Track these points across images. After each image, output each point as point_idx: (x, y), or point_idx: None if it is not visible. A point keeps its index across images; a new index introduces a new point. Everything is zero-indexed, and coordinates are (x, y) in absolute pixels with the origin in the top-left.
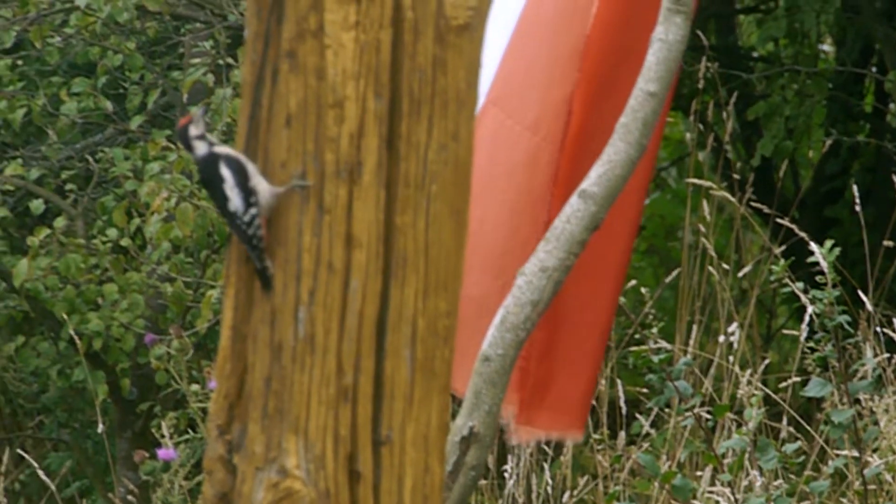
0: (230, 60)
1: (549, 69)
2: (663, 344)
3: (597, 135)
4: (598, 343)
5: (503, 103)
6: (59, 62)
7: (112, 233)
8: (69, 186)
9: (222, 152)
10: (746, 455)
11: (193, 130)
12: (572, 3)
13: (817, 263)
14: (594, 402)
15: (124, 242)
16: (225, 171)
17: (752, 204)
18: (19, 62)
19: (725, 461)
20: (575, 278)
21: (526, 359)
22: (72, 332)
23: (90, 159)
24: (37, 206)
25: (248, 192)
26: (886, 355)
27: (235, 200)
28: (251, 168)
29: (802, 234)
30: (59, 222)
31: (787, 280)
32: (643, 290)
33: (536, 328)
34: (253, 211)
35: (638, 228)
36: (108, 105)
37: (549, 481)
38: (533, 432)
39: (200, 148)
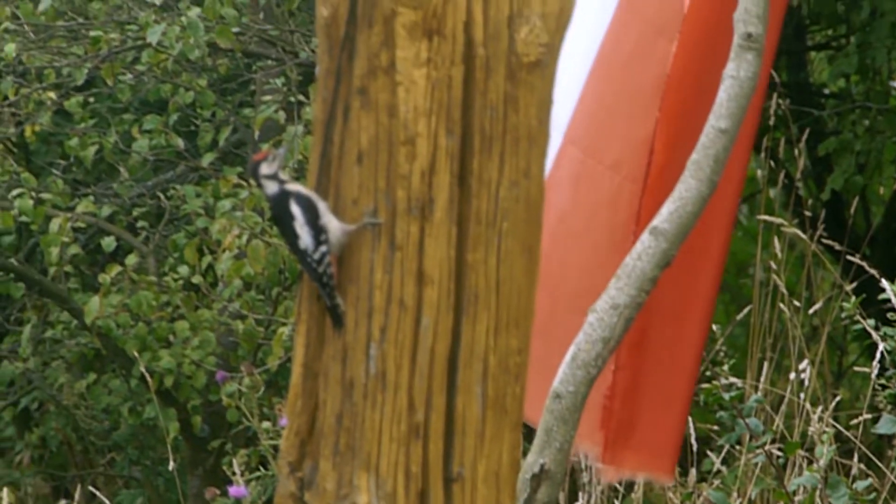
0: (301, 97)
1: (629, 108)
2: (734, 381)
3: (678, 173)
4: (686, 384)
5: (582, 143)
6: (131, 99)
7: (183, 270)
8: (141, 223)
9: (293, 190)
10: (817, 492)
11: (265, 168)
12: (651, 43)
13: (889, 300)
14: None
15: (196, 280)
16: (295, 209)
17: (824, 241)
18: (91, 99)
19: (796, 498)
20: (661, 319)
21: (610, 398)
22: (143, 370)
23: (162, 196)
24: (108, 243)
25: (318, 230)
26: None
27: (306, 238)
28: (322, 206)
29: (873, 271)
30: (131, 259)
31: (858, 317)
32: (714, 327)
33: (621, 368)
34: (323, 249)
35: (723, 268)
36: (180, 142)
37: None
38: (620, 472)
39: (271, 186)
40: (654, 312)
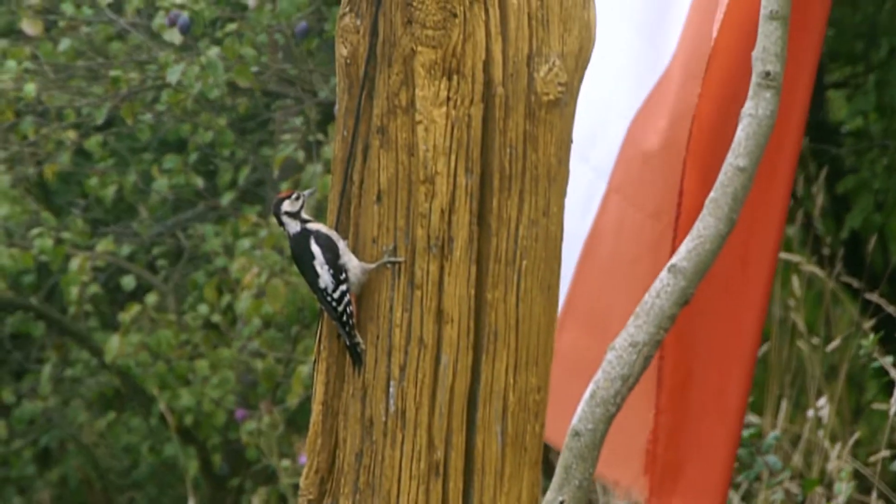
0: (320, 136)
1: (668, 156)
2: (753, 418)
3: None
4: (732, 426)
5: (626, 191)
6: (151, 139)
7: (203, 309)
8: (160, 262)
9: (314, 229)
10: None
11: (288, 206)
12: (688, 90)
13: None
14: None
15: (215, 318)
16: (315, 248)
17: (842, 279)
18: (111, 139)
19: None
20: (706, 361)
21: (653, 442)
22: (163, 408)
23: (181, 235)
24: (128, 282)
25: (337, 270)
26: None
27: (325, 277)
28: (342, 245)
29: (891, 309)
30: (151, 298)
31: (876, 354)
32: None
33: (663, 411)
34: (343, 287)
35: (766, 310)
36: (199, 181)
37: None
38: None
39: (293, 225)
40: (697, 354)
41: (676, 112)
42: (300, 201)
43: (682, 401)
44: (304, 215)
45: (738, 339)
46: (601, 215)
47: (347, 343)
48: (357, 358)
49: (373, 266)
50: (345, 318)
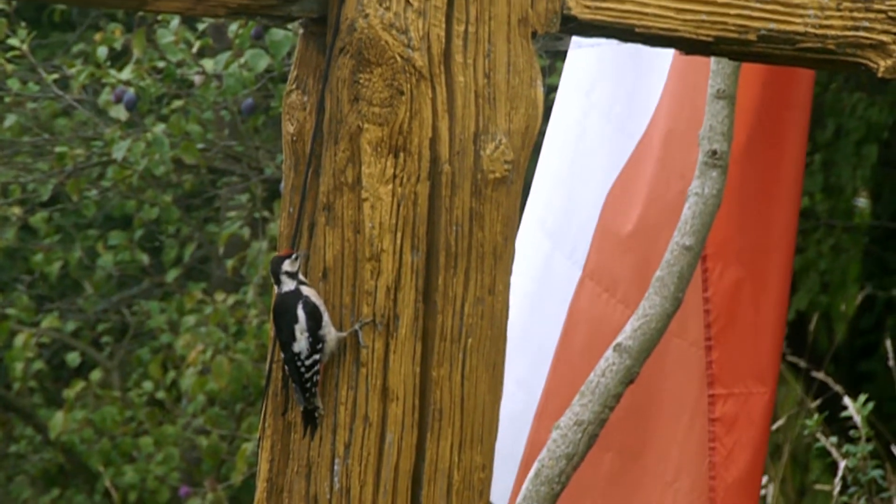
0: (266, 213)
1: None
2: None
3: None
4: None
5: (598, 276)
6: (96, 215)
7: (148, 385)
8: (105, 339)
9: (305, 293)
10: None
11: (288, 266)
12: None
13: (851, 417)
14: None
15: (160, 395)
16: (300, 313)
17: (787, 358)
18: (56, 215)
19: None
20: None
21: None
22: (107, 485)
23: (126, 312)
24: (73, 358)
25: (316, 339)
26: None
27: (302, 343)
28: (326, 318)
29: (836, 388)
30: (95, 375)
31: (820, 434)
32: None
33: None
34: (316, 356)
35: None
36: (145, 258)
37: None
38: None
39: (288, 283)
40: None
41: (648, 196)
42: (298, 262)
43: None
44: (301, 276)
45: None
46: (576, 302)
47: (304, 407)
48: (314, 423)
49: (344, 335)
50: (309, 385)
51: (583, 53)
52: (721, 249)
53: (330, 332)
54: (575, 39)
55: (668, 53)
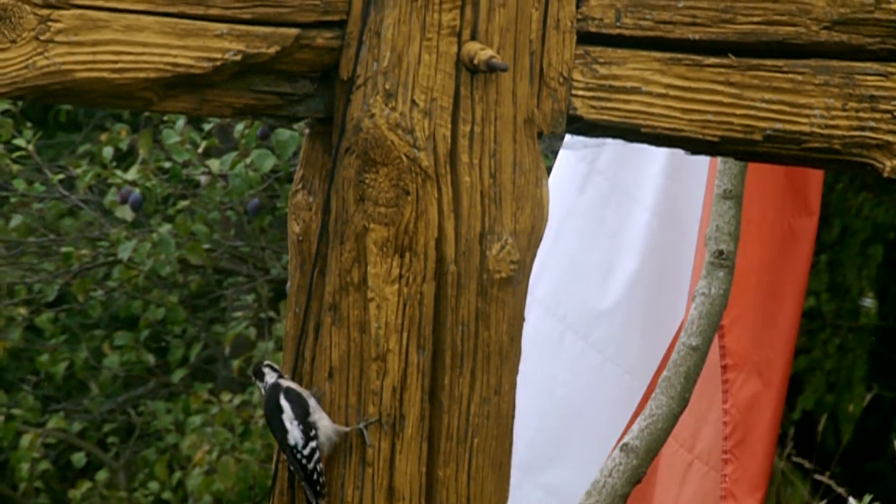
0: (272, 314)
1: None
2: None
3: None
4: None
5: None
6: (102, 315)
7: (154, 486)
8: (111, 439)
9: (284, 385)
10: None
11: (268, 372)
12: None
13: None
14: None
15: (166, 495)
16: (284, 403)
17: (794, 459)
18: (62, 315)
19: None
20: None
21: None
22: None
23: (132, 412)
24: (79, 458)
25: (307, 426)
26: None
27: (295, 433)
28: (312, 403)
29: (841, 490)
30: (101, 475)
31: None
32: None
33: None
34: (313, 444)
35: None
36: (151, 358)
37: None
38: None
39: (270, 376)
40: None
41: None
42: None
43: None
44: (281, 371)
45: None
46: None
47: (311, 502)
48: None
49: (347, 429)
50: (315, 475)
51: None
52: (742, 361)
53: (322, 419)
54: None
55: None
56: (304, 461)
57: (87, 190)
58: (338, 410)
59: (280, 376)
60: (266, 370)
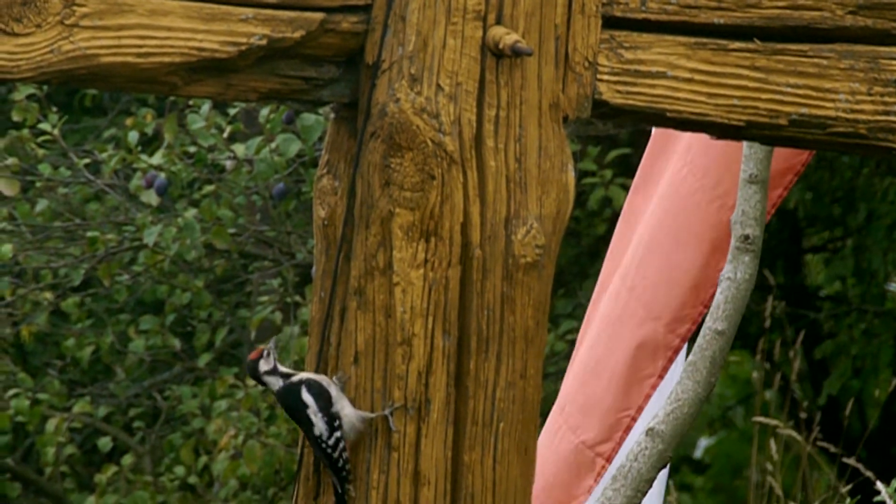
0: (298, 298)
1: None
2: None
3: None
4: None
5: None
6: (127, 300)
7: (179, 470)
8: (137, 424)
9: (302, 378)
10: None
11: (263, 365)
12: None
13: (884, 502)
14: None
15: (192, 480)
16: (307, 397)
17: (819, 443)
18: (88, 300)
19: None
20: None
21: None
22: None
23: (158, 397)
24: (104, 443)
25: (331, 417)
26: None
27: (319, 425)
28: (334, 392)
29: (869, 474)
30: (127, 460)
31: None
32: None
33: None
34: (338, 434)
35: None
36: (176, 343)
37: None
38: None
39: (274, 381)
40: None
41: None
42: (271, 356)
43: None
44: (282, 369)
45: None
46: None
47: (338, 490)
48: None
49: (372, 416)
50: (340, 464)
51: None
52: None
53: (345, 408)
54: None
55: None
56: (329, 450)
57: (112, 174)
58: (363, 395)
59: (285, 375)
60: (266, 378)
